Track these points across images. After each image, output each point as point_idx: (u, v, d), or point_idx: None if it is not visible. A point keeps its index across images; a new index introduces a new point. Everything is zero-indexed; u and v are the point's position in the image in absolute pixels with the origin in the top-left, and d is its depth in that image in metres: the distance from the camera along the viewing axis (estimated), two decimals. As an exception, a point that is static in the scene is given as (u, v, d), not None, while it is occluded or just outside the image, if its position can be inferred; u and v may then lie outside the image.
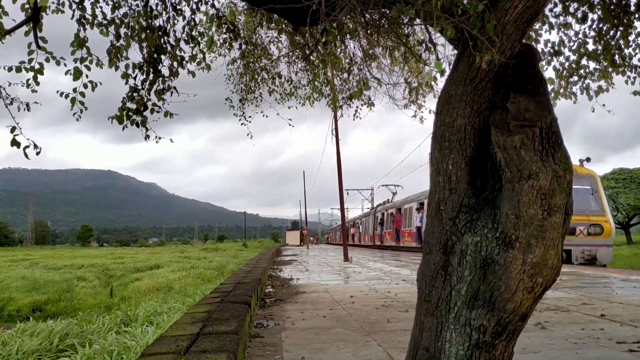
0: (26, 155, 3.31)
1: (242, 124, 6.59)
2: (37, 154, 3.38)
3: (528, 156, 2.12)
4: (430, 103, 6.54)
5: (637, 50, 4.93)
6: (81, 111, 3.64)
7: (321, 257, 22.58)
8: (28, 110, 3.71)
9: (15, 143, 3.27)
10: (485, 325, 2.20)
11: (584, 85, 5.06)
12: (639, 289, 7.79)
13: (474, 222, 2.29)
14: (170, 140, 4.28)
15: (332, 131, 19.18)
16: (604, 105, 5.20)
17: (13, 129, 3.27)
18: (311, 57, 5.07)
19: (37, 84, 3.51)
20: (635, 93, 5.08)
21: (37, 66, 3.43)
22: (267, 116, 6.70)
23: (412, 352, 2.46)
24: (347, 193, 57.34)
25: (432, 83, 5.57)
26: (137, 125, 3.86)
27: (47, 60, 3.45)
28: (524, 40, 2.44)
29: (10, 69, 3.40)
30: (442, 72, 2.65)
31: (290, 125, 6.68)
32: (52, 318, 12.77)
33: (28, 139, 3.33)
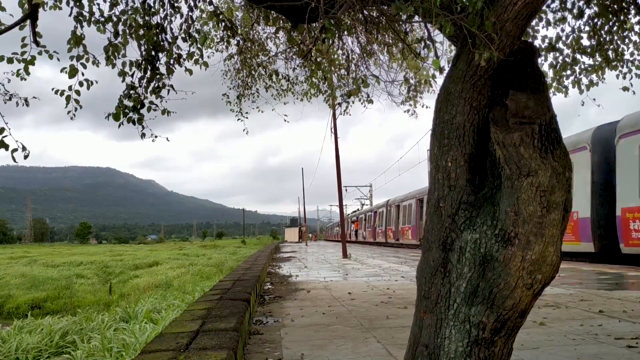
0: (14, 159, 3.21)
1: (238, 119, 6.60)
2: (25, 157, 3.28)
3: (527, 153, 2.12)
4: (426, 99, 6.54)
5: (629, 45, 4.96)
6: (76, 109, 3.63)
7: (320, 254, 22.61)
8: (27, 105, 3.69)
9: (2, 145, 3.14)
10: (484, 322, 2.20)
11: (576, 79, 5.09)
12: (637, 285, 7.81)
13: (473, 219, 2.29)
14: (167, 139, 4.27)
15: (331, 129, 19.16)
16: (594, 99, 5.24)
17: (1, 130, 3.15)
18: (309, 54, 5.06)
19: (28, 73, 3.48)
20: (624, 88, 5.12)
21: (29, 57, 3.41)
22: (262, 111, 6.70)
23: (411, 348, 2.47)
24: (346, 190, 59.93)
25: (431, 80, 5.57)
26: (134, 123, 3.85)
27: (40, 53, 3.44)
28: (522, 38, 2.44)
29: (2, 59, 3.38)
30: (440, 70, 2.65)
31: (285, 121, 6.68)
32: (51, 315, 12.78)
33: (17, 141, 3.22)
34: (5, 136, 3.17)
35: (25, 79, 3.51)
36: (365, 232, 50.57)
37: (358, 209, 69.39)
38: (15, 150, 3.21)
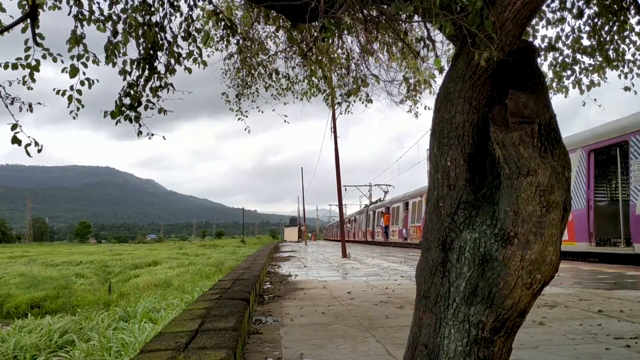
0: (28, 153, 3.29)
1: (238, 119, 6.61)
2: (39, 151, 3.36)
3: (527, 153, 2.12)
4: (426, 99, 6.53)
5: (630, 46, 4.97)
6: (78, 109, 3.63)
7: (319, 254, 22.61)
8: (31, 111, 3.70)
9: (16, 141, 3.25)
10: (483, 322, 2.20)
11: (576, 79, 5.09)
12: (636, 284, 7.81)
13: (472, 218, 2.29)
14: (163, 137, 4.27)
15: (331, 129, 19.14)
16: (595, 99, 5.24)
17: (14, 127, 3.25)
18: (309, 54, 5.06)
19: (33, 81, 3.50)
20: (626, 88, 5.12)
21: (33, 63, 3.41)
22: (262, 112, 6.71)
23: (410, 348, 2.47)
24: (346, 189, 55.40)
25: (430, 80, 5.57)
26: (131, 121, 3.85)
27: (44, 57, 3.44)
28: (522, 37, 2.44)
29: (7, 66, 3.39)
30: (441, 70, 2.65)
31: (285, 121, 6.69)
32: (50, 314, 12.78)
33: (29, 137, 3.31)
34: (18, 132, 3.26)
35: (31, 88, 3.52)
36: (407, 230, 31.42)
37: (380, 199, 48.70)
38: (28, 145, 3.30)
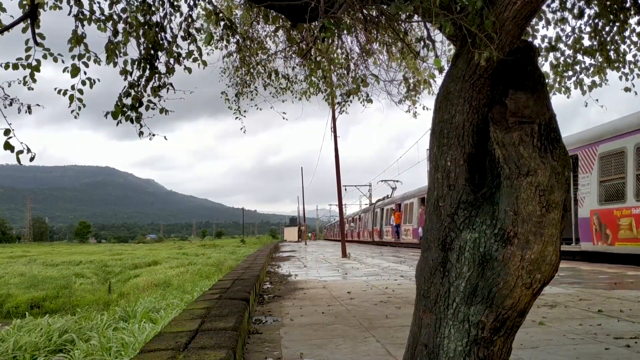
0: (19, 161, 3.17)
1: (236, 117, 6.60)
2: (31, 159, 3.22)
3: (527, 152, 2.12)
4: (426, 99, 6.53)
5: (631, 47, 4.96)
6: (79, 108, 3.63)
7: (319, 253, 22.60)
8: (29, 112, 3.69)
9: (8, 147, 3.10)
10: (483, 322, 2.20)
11: (578, 80, 5.09)
12: (636, 284, 7.81)
13: (472, 218, 2.29)
14: (165, 137, 4.27)
15: (331, 128, 19.14)
16: (597, 100, 5.24)
17: (7, 132, 3.12)
18: (308, 54, 5.06)
19: (34, 81, 3.48)
20: (626, 89, 5.12)
21: (34, 63, 3.40)
22: (261, 109, 6.71)
23: (410, 348, 2.47)
24: (345, 189, 53.31)
25: (430, 80, 5.57)
26: (132, 122, 3.85)
27: (45, 57, 3.43)
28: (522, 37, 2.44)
29: (7, 67, 3.37)
30: (441, 70, 2.65)
31: (284, 119, 6.69)
32: (50, 314, 12.78)
33: (22, 143, 3.18)
34: (11, 137, 3.13)
35: (32, 89, 3.49)
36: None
37: (387, 196, 43.44)
38: (20, 152, 3.16)
